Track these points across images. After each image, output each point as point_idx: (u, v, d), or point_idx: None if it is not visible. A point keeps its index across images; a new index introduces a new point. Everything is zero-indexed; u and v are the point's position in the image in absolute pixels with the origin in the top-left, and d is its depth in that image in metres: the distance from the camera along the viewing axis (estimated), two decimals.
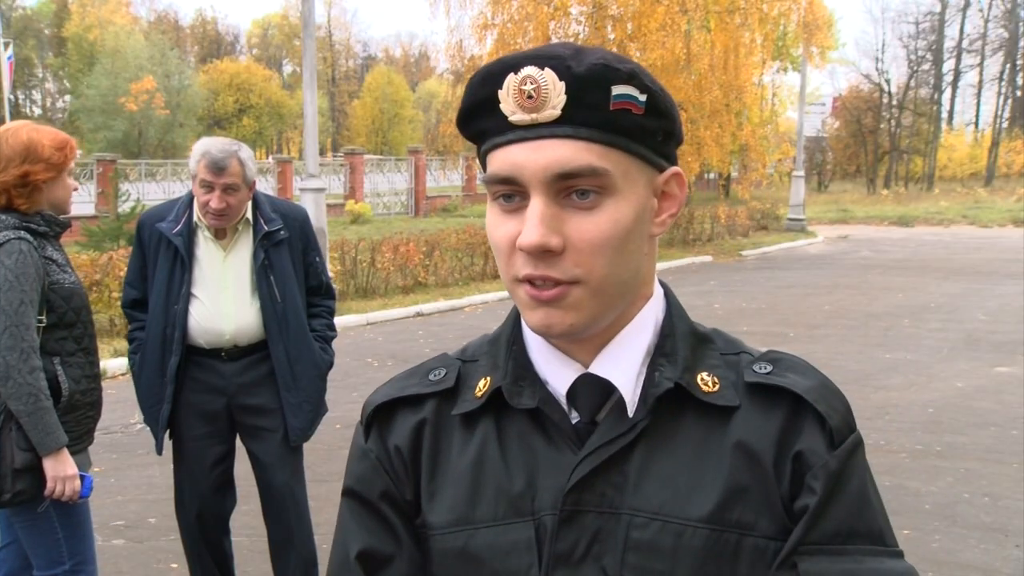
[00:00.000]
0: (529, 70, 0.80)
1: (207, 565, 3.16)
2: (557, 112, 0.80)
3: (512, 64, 0.81)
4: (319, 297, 3.21)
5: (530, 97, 0.80)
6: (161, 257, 2.99)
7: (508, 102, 0.81)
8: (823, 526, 0.83)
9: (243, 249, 3.03)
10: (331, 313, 3.26)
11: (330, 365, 3.19)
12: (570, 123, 0.80)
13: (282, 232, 3.04)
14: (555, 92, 0.80)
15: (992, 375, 7.55)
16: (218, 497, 3.13)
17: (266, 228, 3.02)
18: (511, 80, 0.81)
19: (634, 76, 0.81)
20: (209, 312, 2.98)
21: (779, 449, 0.85)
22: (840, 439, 0.85)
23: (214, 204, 2.87)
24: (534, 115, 0.80)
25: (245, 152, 2.95)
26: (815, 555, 0.82)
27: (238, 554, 3.39)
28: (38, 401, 2.35)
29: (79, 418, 2.53)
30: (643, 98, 0.82)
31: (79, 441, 2.53)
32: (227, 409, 3.05)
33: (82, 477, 2.47)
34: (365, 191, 24.90)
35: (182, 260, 2.96)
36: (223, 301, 3.00)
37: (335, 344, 3.33)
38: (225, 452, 3.12)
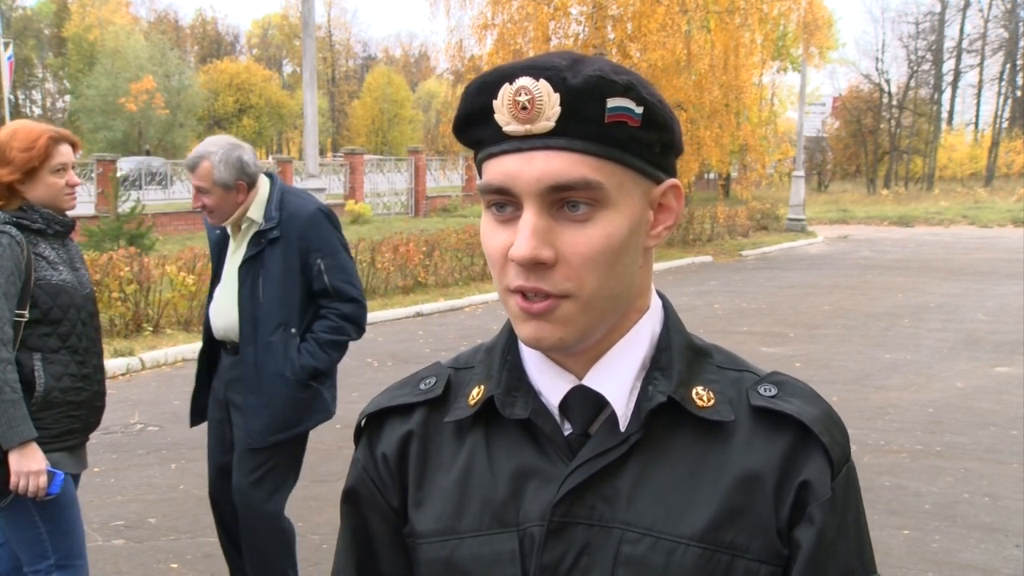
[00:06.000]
0: (524, 81, 0.79)
1: (225, 544, 3.29)
2: (551, 124, 0.79)
3: (508, 74, 0.81)
4: (328, 300, 3.05)
5: (524, 108, 0.79)
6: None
7: (503, 112, 0.81)
8: (827, 568, 0.85)
9: (244, 247, 3.09)
10: (341, 316, 3.05)
11: (305, 369, 3.00)
12: (564, 135, 0.80)
13: (274, 232, 3.00)
14: (549, 104, 0.79)
15: (992, 375, 7.55)
16: (224, 481, 3.16)
17: (261, 226, 3.04)
18: (506, 90, 0.80)
19: (631, 88, 0.80)
20: (216, 306, 3.15)
21: (781, 475, 0.86)
22: (838, 470, 0.87)
23: (193, 201, 3.07)
24: (528, 126, 0.80)
25: (219, 156, 2.92)
26: None
27: None
28: (2, 393, 2.33)
29: (58, 416, 2.49)
30: (639, 110, 0.81)
31: (56, 440, 2.48)
32: (225, 400, 3.16)
33: (52, 473, 2.43)
34: (365, 191, 24.88)
35: (218, 255, 3.21)
36: (222, 296, 3.14)
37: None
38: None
